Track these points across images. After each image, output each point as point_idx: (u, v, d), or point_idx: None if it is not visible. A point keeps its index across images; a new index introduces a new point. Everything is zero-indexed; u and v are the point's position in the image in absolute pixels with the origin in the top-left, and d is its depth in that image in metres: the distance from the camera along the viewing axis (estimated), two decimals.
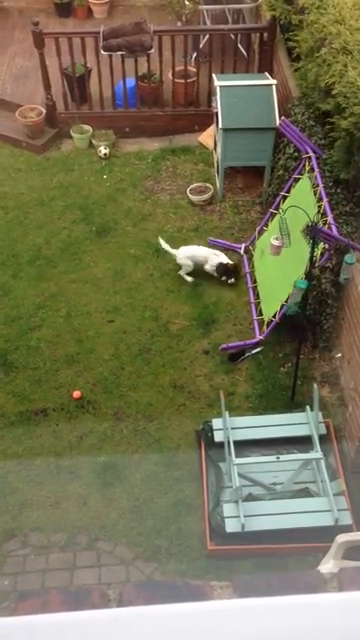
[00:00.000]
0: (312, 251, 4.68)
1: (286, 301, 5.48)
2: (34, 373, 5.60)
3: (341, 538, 3.89)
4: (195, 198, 7.12)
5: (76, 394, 5.42)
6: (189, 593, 1.02)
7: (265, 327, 5.75)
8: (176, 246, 6.66)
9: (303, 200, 5.47)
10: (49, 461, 5.03)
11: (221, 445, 4.94)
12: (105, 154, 7.61)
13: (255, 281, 6.27)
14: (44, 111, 7.75)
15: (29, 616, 1.06)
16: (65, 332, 5.92)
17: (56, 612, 1.06)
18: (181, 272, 6.31)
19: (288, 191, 6.04)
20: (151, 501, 4.80)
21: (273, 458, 4.80)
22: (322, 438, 4.93)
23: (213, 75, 7.18)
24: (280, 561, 4.48)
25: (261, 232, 6.45)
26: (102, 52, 7.39)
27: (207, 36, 7.98)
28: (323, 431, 5.01)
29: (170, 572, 4.42)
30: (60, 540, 4.61)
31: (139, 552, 4.54)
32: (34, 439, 5.16)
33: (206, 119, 7.71)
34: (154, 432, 5.20)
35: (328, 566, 3.94)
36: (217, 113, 6.83)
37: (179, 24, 8.19)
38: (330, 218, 5.18)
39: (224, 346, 5.76)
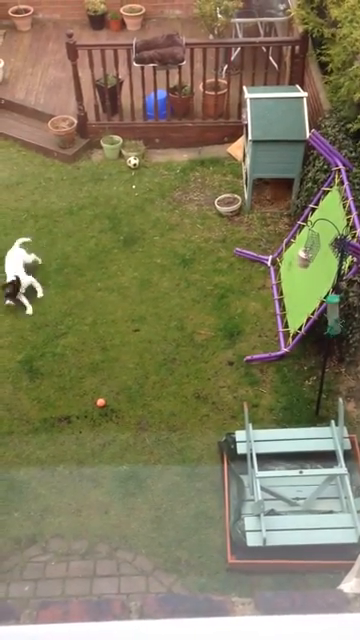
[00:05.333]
0: (340, 264, 4.65)
1: (312, 314, 5.44)
2: (59, 380, 5.64)
3: None
4: (223, 209, 7.13)
5: (100, 402, 5.44)
6: (210, 608, 1.02)
7: (291, 339, 5.72)
8: (202, 257, 6.69)
9: (332, 213, 5.44)
10: (72, 468, 5.04)
11: (244, 457, 4.90)
12: (135, 164, 7.68)
13: (281, 293, 6.24)
14: (75, 121, 7.85)
15: (50, 625, 1.06)
16: (90, 340, 5.96)
17: (77, 622, 1.06)
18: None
19: (317, 203, 6.01)
20: (172, 512, 4.79)
21: (296, 472, 4.75)
22: (347, 454, 4.86)
23: (244, 87, 7.20)
24: (301, 577, 4.42)
25: (289, 244, 6.42)
26: (134, 64, 7.47)
27: (239, 49, 8.01)
28: (348, 446, 4.94)
29: (190, 584, 4.39)
30: (81, 548, 4.61)
31: (159, 563, 4.52)
32: (57, 446, 5.19)
33: (236, 131, 7.73)
34: (177, 442, 5.19)
35: (350, 584, 3.87)
36: (247, 125, 6.85)
37: (211, 37, 8.25)
38: (359, 231, 5.14)
39: (249, 358, 5.74)
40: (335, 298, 4.71)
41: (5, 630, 1.07)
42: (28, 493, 4.90)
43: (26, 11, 9.49)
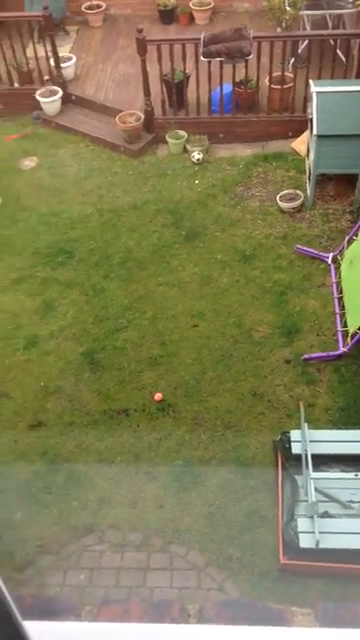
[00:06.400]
0: None
1: None
2: (118, 373, 5.74)
3: None
4: (285, 205, 7.06)
5: (157, 396, 5.51)
6: (269, 617, 1.03)
7: (349, 339, 5.62)
8: (263, 253, 6.65)
9: None
10: (128, 461, 5.14)
11: (298, 457, 4.87)
12: (198, 159, 7.69)
13: (341, 291, 6.14)
14: (142, 116, 7.92)
15: (109, 623, 1.10)
16: (150, 334, 6.03)
17: (136, 622, 1.10)
18: None
19: None
20: (225, 509, 4.81)
21: (352, 475, 4.68)
22: None
23: (310, 81, 7.09)
24: (353, 582, 4.37)
25: (350, 241, 6.30)
26: (202, 58, 7.47)
27: (306, 42, 7.88)
28: None
29: (241, 582, 4.41)
30: (135, 540, 4.69)
31: (211, 559, 4.55)
32: (115, 438, 5.29)
33: (300, 125, 7.63)
34: (232, 439, 5.20)
35: None
36: (312, 119, 6.74)
37: (279, 30, 8.15)
38: None
39: (306, 356, 5.68)
40: None
41: (64, 626, 1.11)
42: (86, 483, 5.02)
43: (98, 7, 9.62)
